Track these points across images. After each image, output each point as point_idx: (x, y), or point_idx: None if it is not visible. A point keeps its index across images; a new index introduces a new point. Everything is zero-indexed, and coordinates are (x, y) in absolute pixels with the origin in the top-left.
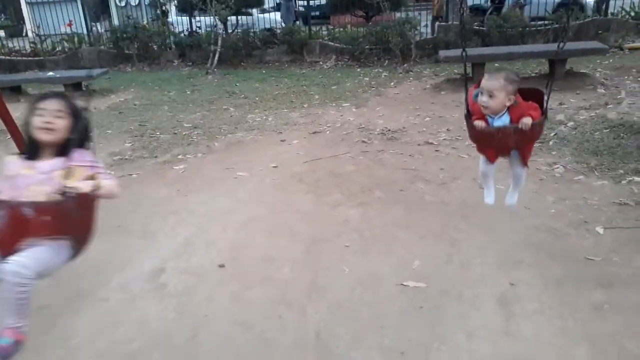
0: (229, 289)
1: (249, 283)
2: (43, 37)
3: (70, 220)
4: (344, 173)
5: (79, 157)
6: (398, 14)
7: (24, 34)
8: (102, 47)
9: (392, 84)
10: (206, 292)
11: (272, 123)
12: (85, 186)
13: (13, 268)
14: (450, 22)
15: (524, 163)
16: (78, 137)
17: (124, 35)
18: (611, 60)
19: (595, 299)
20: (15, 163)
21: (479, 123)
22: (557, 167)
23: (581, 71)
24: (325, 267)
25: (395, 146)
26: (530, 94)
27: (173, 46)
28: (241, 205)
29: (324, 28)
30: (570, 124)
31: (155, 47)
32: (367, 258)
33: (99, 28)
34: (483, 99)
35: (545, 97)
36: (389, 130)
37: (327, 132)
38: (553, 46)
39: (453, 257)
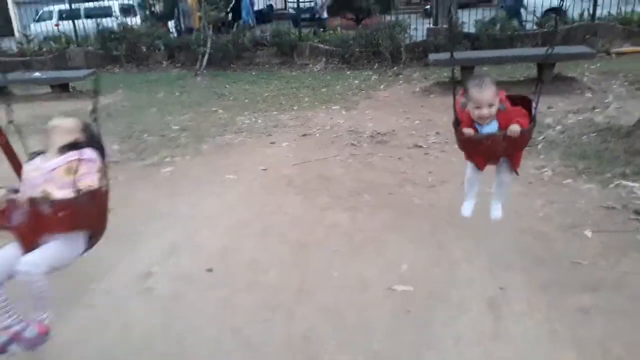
0: (216, 294)
1: (237, 287)
2: (30, 37)
3: (84, 214)
4: (333, 176)
5: (79, 154)
6: (388, 17)
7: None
8: (90, 47)
9: (381, 87)
10: (194, 296)
11: (261, 125)
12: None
13: (24, 268)
14: (439, 26)
15: (514, 169)
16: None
17: (112, 36)
18: (598, 65)
19: (582, 303)
20: (28, 165)
21: (468, 131)
22: (546, 171)
23: (569, 75)
24: (314, 271)
25: (385, 149)
26: (519, 101)
27: (162, 47)
28: (230, 209)
29: (314, 30)
30: (559, 127)
31: (143, 48)
32: (356, 262)
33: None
34: (484, 111)
35: (534, 104)
36: (379, 133)
37: (317, 135)
38: (542, 50)
39: (441, 261)
